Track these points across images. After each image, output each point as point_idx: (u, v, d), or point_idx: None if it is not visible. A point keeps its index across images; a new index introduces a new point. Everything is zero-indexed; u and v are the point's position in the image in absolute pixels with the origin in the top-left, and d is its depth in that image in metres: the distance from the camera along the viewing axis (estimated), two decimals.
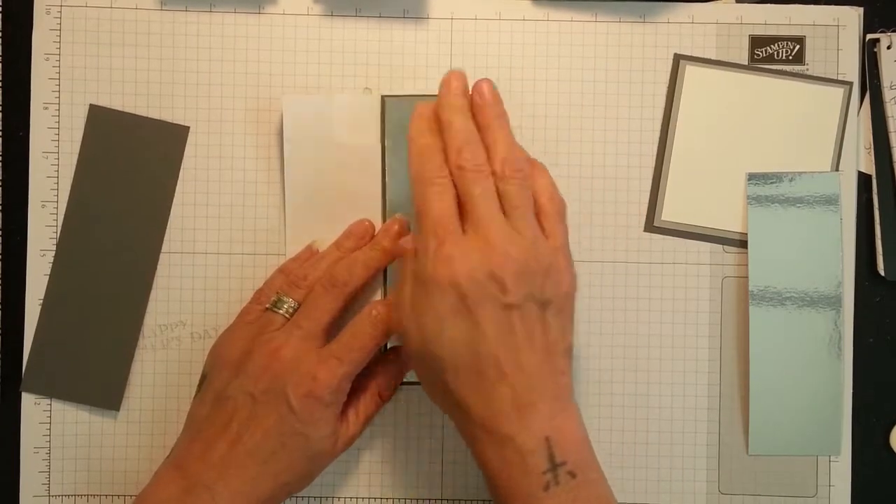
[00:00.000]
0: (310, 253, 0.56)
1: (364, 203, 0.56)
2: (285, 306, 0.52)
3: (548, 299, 0.46)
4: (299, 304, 0.52)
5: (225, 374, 0.51)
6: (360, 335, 0.51)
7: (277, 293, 0.53)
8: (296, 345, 0.50)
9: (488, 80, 0.49)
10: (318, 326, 0.51)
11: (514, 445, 0.45)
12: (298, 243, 0.56)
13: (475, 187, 0.47)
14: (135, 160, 0.57)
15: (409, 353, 0.48)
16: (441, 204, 0.47)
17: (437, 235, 0.46)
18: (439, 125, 0.49)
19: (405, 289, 0.48)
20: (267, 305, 0.53)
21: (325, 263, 0.54)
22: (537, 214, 0.48)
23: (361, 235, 0.55)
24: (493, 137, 0.48)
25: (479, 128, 0.49)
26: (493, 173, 0.47)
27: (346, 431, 0.53)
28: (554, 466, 0.45)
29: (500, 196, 0.47)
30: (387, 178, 0.56)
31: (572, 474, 0.45)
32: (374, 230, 0.56)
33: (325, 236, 0.56)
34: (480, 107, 0.49)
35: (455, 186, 0.47)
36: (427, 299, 0.46)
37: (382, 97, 0.56)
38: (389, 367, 0.55)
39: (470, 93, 0.49)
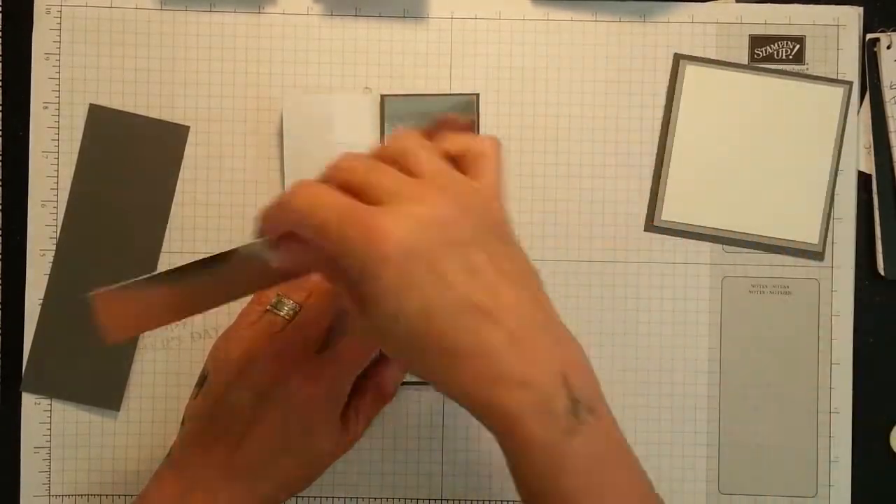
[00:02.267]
0: None
1: None
2: (286, 308, 0.52)
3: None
4: (300, 306, 0.52)
5: (226, 375, 0.51)
6: (361, 337, 0.51)
7: (278, 295, 0.53)
8: (297, 347, 0.50)
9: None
10: (318, 329, 0.51)
11: (520, 390, 0.38)
12: None
13: None
14: (135, 160, 0.56)
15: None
16: None
17: None
18: None
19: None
20: (268, 307, 0.53)
21: None
22: None
23: None
24: None
25: None
26: None
27: (348, 433, 0.53)
28: (574, 404, 0.39)
29: None
30: None
31: (592, 411, 0.39)
32: None
33: None
34: None
35: None
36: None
37: (382, 97, 0.56)
38: (390, 367, 0.55)
39: None
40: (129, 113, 0.57)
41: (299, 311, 0.52)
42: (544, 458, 0.38)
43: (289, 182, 0.56)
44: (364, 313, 0.39)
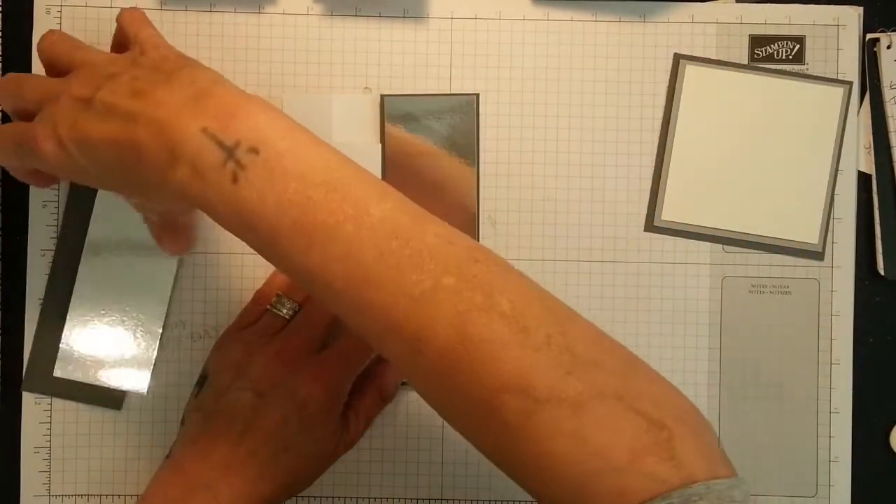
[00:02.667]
0: None
1: None
2: (286, 308, 0.52)
3: None
4: (300, 306, 0.52)
5: (226, 375, 0.51)
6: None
7: (278, 294, 0.53)
8: (297, 347, 0.50)
9: None
10: (318, 328, 0.51)
11: (174, 169, 0.38)
12: None
13: None
14: None
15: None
16: None
17: None
18: None
19: None
20: (267, 307, 0.53)
21: None
22: None
23: None
24: None
25: None
26: None
27: (348, 433, 0.53)
28: (229, 151, 0.38)
29: None
30: (387, 178, 0.56)
31: (255, 150, 0.38)
32: None
33: None
34: None
35: None
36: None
37: (382, 97, 0.56)
38: (390, 367, 0.55)
39: None
40: None
41: (299, 310, 0.52)
42: (228, 215, 0.39)
43: None
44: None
